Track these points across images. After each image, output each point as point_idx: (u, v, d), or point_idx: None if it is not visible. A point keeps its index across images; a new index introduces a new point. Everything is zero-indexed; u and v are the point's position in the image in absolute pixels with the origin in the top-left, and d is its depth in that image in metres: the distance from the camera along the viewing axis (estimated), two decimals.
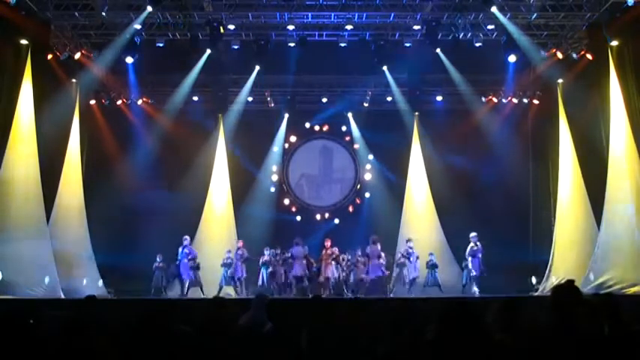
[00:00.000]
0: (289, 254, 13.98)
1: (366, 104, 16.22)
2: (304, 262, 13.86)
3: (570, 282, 3.42)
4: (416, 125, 15.94)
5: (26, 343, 3.77)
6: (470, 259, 13.72)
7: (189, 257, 13.76)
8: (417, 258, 14.11)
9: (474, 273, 13.61)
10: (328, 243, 14.32)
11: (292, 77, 15.40)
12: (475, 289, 13.55)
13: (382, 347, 3.61)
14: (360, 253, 14.22)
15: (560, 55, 13.54)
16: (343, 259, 14.28)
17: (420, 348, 3.34)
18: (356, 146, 16.74)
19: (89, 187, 14.40)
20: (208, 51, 13.72)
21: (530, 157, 15.85)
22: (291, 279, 14.01)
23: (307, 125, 16.72)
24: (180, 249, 13.86)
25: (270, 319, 5.06)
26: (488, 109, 15.99)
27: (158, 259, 13.90)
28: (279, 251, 14.26)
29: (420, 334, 3.42)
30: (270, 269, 14.01)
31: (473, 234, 13.80)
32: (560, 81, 14.37)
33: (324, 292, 13.72)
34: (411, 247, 14.17)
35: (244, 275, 14.05)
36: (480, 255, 13.67)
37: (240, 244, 14.29)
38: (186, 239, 13.95)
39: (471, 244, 13.75)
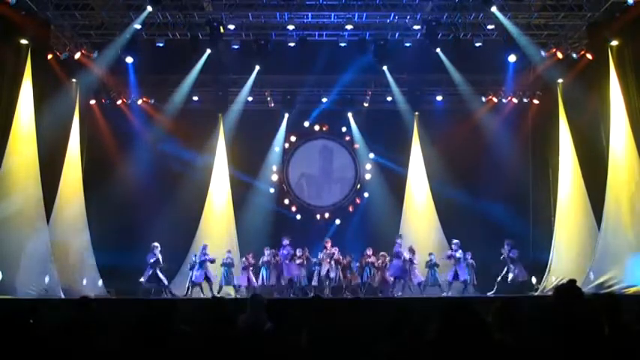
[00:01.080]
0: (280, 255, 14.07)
1: (366, 104, 16.21)
2: (296, 262, 13.92)
3: (572, 282, 3.43)
4: (416, 125, 15.96)
5: (26, 343, 3.77)
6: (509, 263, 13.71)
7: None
8: (463, 260, 13.89)
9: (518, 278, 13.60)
10: (329, 244, 14.32)
11: (292, 77, 15.40)
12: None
13: (382, 347, 3.61)
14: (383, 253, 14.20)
15: (560, 55, 13.53)
16: (347, 261, 14.20)
17: (420, 348, 3.34)
18: (356, 146, 16.73)
19: (89, 187, 14.40)
20: (208, 51, 13.71)
21: (530, 157, 15.83)
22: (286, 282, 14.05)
23: (306, 124, 16.68)
24: (153, 257, 13.45)
25: (270, 319, 5.06)
26: (488, 109, 15.97)
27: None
28: (269, 251, 14.17)
29: (420, 334, 3.42)
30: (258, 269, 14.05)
31: (507, 241, 13.80)
32: (560, 81, 14.36)
33: (323, 292, 13.73)
34: (455, 250, 13.94)
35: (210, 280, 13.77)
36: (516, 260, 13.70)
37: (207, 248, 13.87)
38: (156, 247, 13.53)
39: (505, 252, 13.74)
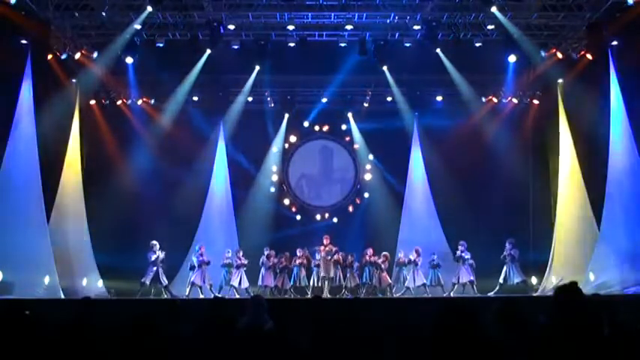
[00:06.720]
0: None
1: (366, 104, 16.21)
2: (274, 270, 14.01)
3: (573, 284, 3.43)
4: (416, 125, 15.95)
5: (26, 342, 3.77)
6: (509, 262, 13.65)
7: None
8: (468, 260, 13.79)
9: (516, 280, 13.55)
10: (327, 240, 14.30)
11: (292, 77, 15.40)
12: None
13: (383, 347, 3.61)
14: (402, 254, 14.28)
15: (560, 55, 13.55)
16: (349, 261, 14.17)
17: (419, 348, 3.34)
18: (356, 146, 16.73)
19: (89, 187, 14.41)
20: (208, 51, 13.70)
21: (530, 157, 15.84)
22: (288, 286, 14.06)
23: (306, 124, 16.65)
24: (153, 254, 13.38)
25: (270, 319, 5.06)
26: (488, 109, 15.97)
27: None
28: (269, 251, 14.16)
29: (420, 334, 3.42)
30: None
31: (509, 240, 13.75)
32: (560, 81, 14.36)
33: (323, 291, 13.71)
34: (462, 251, 13.89)
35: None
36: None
37: (203, 249, 13.84)
38: (154, 244, 13.48)
39: (506, 251, 13.71)
